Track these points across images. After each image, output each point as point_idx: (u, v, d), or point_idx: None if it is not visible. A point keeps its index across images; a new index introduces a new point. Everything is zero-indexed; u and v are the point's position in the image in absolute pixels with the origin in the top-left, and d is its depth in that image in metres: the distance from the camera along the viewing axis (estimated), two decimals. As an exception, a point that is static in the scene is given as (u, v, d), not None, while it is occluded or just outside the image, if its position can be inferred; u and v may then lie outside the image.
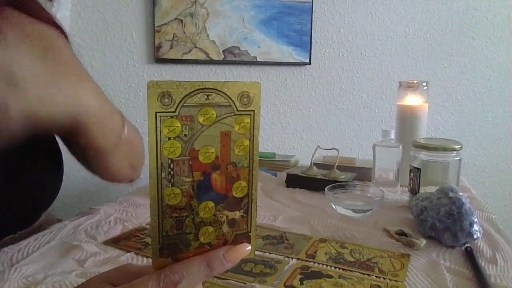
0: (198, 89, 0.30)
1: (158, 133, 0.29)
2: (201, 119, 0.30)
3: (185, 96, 0.29)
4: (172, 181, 0.30)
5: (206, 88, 0.30)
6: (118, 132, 0.61)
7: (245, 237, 0.34)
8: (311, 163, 0.98)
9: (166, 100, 0.29)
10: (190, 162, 0.31)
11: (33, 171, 0.64)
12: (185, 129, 0.30)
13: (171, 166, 0.30)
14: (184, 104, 0.29)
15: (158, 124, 0.29)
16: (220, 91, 0.30)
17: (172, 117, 0.29)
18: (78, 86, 0.57)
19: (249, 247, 0.34)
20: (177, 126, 0.30)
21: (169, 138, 0.30)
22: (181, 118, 0.30)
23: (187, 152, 0.30)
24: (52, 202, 0.72)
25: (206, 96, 0.30)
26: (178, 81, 0.29)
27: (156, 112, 0.29)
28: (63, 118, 0.53)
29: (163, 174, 0.30)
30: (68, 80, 0.55)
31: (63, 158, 0.66)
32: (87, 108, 0.56)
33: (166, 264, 0.31)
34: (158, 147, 0.29)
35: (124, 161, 0.64)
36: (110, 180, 0.65)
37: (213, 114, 0.30)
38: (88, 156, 0.60)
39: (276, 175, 1.06)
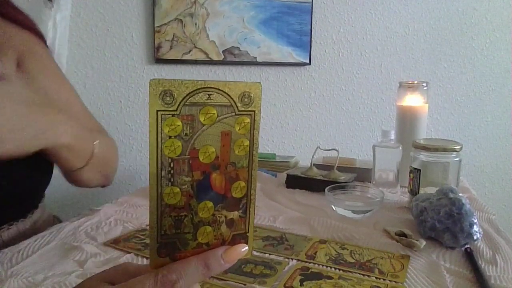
0: (200, 88, 0.29)
1: (159, 132, 0.29)
2: (202, 118, 0.30)
3: (187, 94, 0.29)
4: (172, 180, 0.30)
5: (208, 87, 0.30)
6: (88, 153, 0.67)
7: (243, 238, 0.34)
8: (311, 163, 0.98)
9: (168, 98, 0.28)
10: (190, 162, 0.30)
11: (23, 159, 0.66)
12: (186, 128, 0.30)
13: (171, 165, 0.30)
14: (186, 103, 0.29)
15: (159, 123, 0.29)
16: (221, 90, 0.30)
17: (173, 115, 0.29)
18: (53, 116, 0.60)
19: (247, 248, 0.34)
20: (178, 125, 0.29)
21: (170, 137, 0.29)
22: (183, 116, 0.29)
23: (187, 151, 0.30)
24: (45, 188, 0.73)
25: (207, 95, 0.30)
26: (180, 79, 0.29)
27: (157, 110, 0.28)
28: (30, 149, 0.56)
29: (163, 173, 0.30)
30: (42, 113, 0.58)
31: None
32: (58, 140, 0.60)
33: (163, 264, 0.31)
34: (159, 146, 0.29)
35: (95, 173, 0.71)
36: (83, 187, 0.71)
37: (214, 113, 0.30)
38: (61, 171, 0.67)
39: (276, 176, 1.05)
